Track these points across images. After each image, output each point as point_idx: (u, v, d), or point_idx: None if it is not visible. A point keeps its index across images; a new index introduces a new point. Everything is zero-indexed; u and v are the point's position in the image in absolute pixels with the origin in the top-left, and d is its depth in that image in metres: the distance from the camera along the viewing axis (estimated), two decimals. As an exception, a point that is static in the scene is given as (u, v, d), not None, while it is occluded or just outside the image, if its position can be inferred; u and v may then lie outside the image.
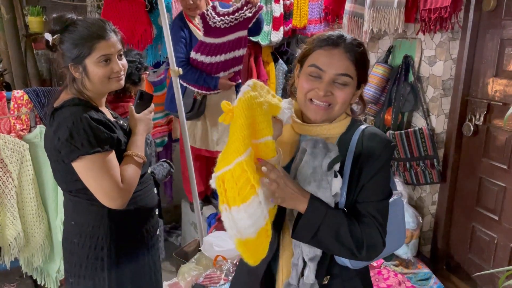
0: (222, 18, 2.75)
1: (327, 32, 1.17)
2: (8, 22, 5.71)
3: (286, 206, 1.10)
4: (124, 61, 1.57)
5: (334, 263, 1.17)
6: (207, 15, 2.74)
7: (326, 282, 1.18)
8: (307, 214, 1.06)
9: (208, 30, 2.76)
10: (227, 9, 2.78)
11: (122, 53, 1.55)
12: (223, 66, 2.91)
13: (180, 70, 2.66)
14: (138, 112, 1.63)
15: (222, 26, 2.77)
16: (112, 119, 1.58)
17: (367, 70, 1.17)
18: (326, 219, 1.05)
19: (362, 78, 1.15)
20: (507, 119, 1.20)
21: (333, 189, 1.08)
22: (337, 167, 1.07)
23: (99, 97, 1.56)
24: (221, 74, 2.94)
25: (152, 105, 1.72)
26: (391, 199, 1.18)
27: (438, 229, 2.68)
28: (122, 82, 1.57)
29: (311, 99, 1.13)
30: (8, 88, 6.05)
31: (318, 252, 1.12)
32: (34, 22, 6.98)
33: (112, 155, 1.46)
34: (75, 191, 1.53)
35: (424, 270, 2.45)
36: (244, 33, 2.89)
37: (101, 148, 1.41)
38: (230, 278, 2.31)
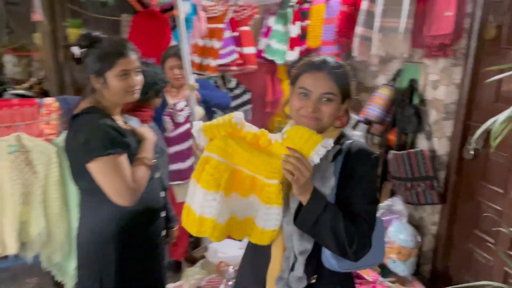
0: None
1: (312, 58, 1.33)
2: (49, 34, 6.12)
3: (295, 190, 1.21)
4: (140, 77, 1.73)
5: (322, 264, 1.29)
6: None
7: (314, 281, 1.29)
8: (310, 202, 1.20)
9: None
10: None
11: (139, 70, 1.73)
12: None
13: (196, 85, 2.84)
14: None
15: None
16: (124, 126, 1.76)
17: (349, 88, 1.31)
18: (326, 210, 1.18)
19: (345, 94, 1.30)
20: (494, 140, 1.28)
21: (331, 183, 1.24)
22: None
23: (114, 107, 1.72)
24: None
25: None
26: None
27: (438, 250, 2.72)
28: (137, 95, 1.74)
29: (302, 115, 1.29)
30: (46, 95, 6.42)
31: (308, 246, 1.25)
32: (73, 34, 7.38)
33: (124, 157, 1.61)
34: (88, 190, 1.68)
35: (420, 288, 2.50)
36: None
37: (114, 151, 1.57)
38: (231, 283, 2.43)
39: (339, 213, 1.21)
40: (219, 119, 1.28)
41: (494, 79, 1.48)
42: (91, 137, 1.56)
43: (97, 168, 1.57)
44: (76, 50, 1.69)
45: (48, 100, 2.85)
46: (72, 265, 2.84)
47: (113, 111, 1.73)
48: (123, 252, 1.72)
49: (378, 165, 1.32)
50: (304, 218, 1.21)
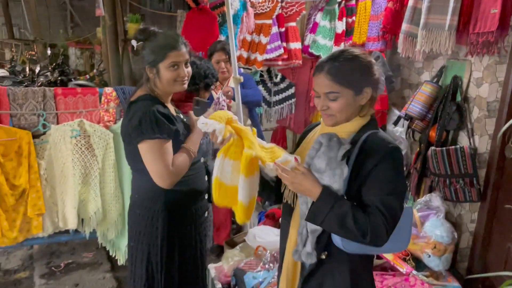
0: None
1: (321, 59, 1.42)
2: (110, 28, 6.52)
3: (301, 194, 1.37)
4: (189, 69, 1.89)
5: (332, 243, 1.38)
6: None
7: (323, 257, 1.41)
8: (317, 204, 1.30)
9: None
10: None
11: (188, 62, 1.88)
12: None
13: (241, 78, 2.98)
14: (196, 116, 1.95)
15: None
16: (174, 114, 1.91)
17: (355, 79, 1.35)
18: (333, 209, 1.27)
19: (355, 86, 1.36)
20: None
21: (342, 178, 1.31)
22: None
23: (166, 95, 1.90)
24: None
25: (210, 110, 2.03)
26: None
27: (476, 248, 2.71)
28: (185, 86, 1.89)
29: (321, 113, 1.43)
30: (106, 86, 6.89)
31: (318, 228, 1.36)
32: (132, 28, 7.81)
33: (169, 144, 1.79)
34: (140, 169, 1.85)
35: (454, 284, 2.51)
36: None
37: (161, 136, 1.74)
38: (267, 266, 2.57)
39: (348, 209, 1.27)
40: (218, 114, 1.46)
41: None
42: (143, 121, 1.74)
43: (145, 150, 1.76)
44: (134, 43, 1.87)
45: (107, 89, 3.10)
46: (124, 242, 3.08)
47: (165, 99, 1.90)
48: (169, 228, 1.90)
49: (396, 156, 1.33)
50: (312, 216, 1.32)
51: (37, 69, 6.01)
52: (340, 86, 1.35)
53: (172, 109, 1.94)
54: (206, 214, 2.10)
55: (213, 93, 2.98)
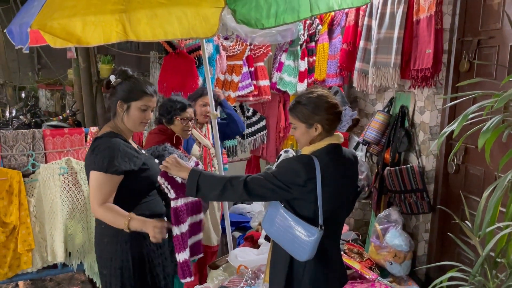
0: None
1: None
2: (84, 70, 6.74)
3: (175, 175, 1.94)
4: (152, 115, 2.13)
5: None
6: None
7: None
8: (188, 181, 1.85)
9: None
10: None
11: (153, 110, 2.12)
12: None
13: (218, 113, 3.27)
14: None
15: None
16: (136, 148, 2.10)
17: (307, 117, 1.79)
18: (200, 181, 1.82)
19: (309, 122, 1.80)
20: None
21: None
22: None
23: (129, 133, 2.11)
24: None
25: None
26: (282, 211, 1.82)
27: (431, 254, 3.08)
28: (144, 128, 2.14)
29: None
30: (79, 126, 7.01)
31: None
32: (104, 69, 8.08)
33: (112, 180, 1.92)
34: None
35: (414, 286, 2.85)
36: None
37: (105, 172, 1.91)
38: (249, 282, 2.82)
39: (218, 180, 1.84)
40: None
41: (451, 104, 1.91)
42: (99, 154, 1.94)
43: (91, 178, 1.96)
44: (113, 78, 2.08)
45: (93, 129, 3.32)
46: (111, 272, 3.26)
47: (128, 136, 2.11)
48: (137, 247, 2.05)
49: (292, 160, 1.81)
50: (188, 190, 1.90)
51: (13, 112, 6.11)
52: (297, 120, 1.84)
53: (134, 145, 2.12)
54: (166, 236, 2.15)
55: (194, 131, 3.20)
